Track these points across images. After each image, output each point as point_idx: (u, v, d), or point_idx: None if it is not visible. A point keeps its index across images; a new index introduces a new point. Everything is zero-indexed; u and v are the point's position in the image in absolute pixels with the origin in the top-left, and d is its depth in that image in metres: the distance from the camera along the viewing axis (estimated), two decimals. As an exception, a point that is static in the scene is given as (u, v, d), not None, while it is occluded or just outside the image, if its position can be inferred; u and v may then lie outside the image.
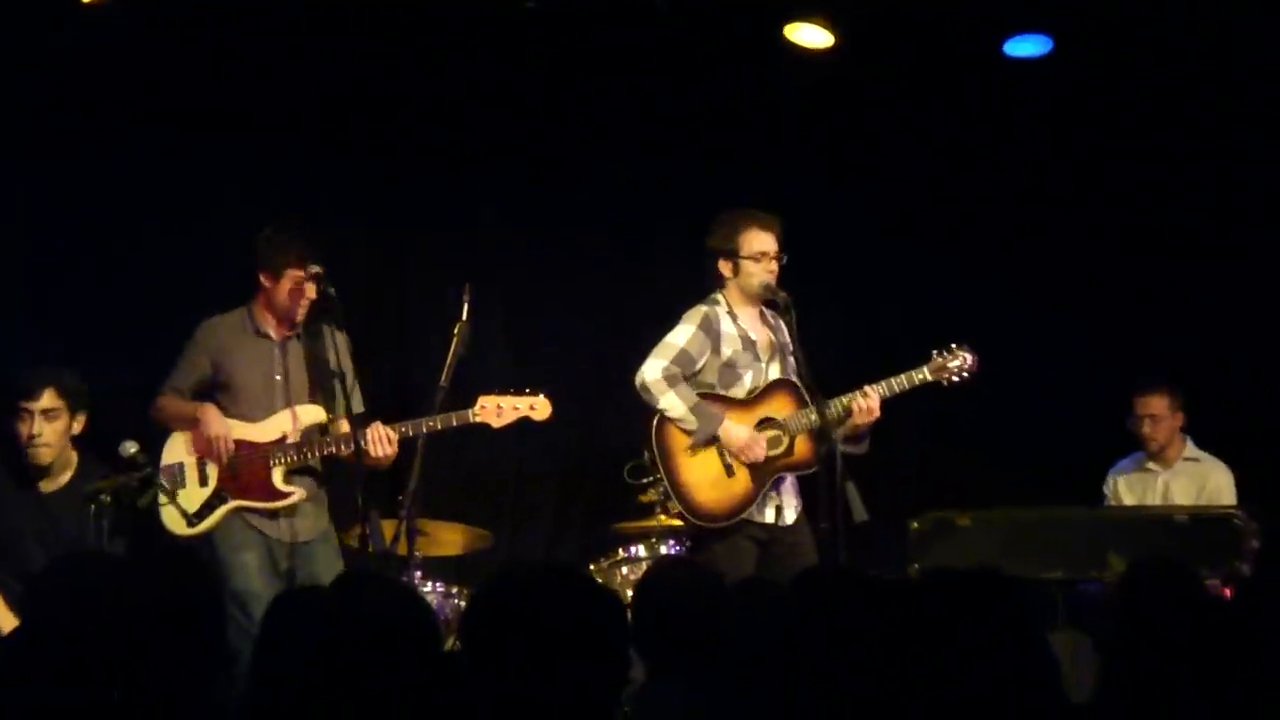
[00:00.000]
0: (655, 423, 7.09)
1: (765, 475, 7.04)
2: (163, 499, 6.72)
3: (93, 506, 6.48)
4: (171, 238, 8.47)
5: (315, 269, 6.79)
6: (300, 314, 6.94)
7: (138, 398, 7.12)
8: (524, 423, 7.08)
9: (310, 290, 6.86)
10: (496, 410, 7.00)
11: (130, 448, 6.59)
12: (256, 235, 6.97)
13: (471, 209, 9.25)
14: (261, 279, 6.95)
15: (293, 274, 6.87)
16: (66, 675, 3.57)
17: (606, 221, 9.34)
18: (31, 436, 6.75)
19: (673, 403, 7.03)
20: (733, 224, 7.17)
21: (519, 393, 7.04)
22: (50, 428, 6.77)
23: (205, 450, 6.86)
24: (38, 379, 6.76)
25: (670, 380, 7.03)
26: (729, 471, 7.03)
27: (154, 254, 8.44)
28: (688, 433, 7.04)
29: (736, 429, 7.03)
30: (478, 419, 6.98)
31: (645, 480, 7.54)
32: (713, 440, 7.02)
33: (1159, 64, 8.86)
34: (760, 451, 7.01)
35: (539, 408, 7.07)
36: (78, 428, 6.86)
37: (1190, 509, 7.76)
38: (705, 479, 7.05)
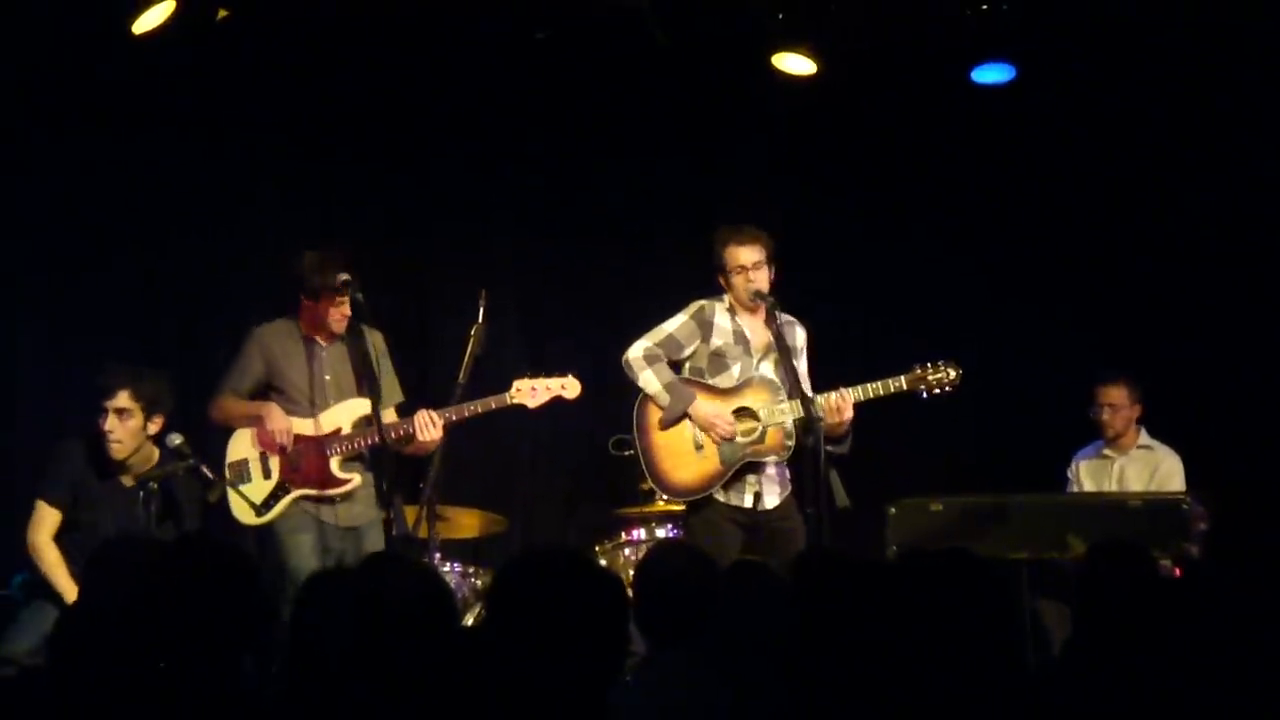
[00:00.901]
0: (637, 402, 7.08)
1: (734, 458, 6.99)
2: (230, 492, 6.72)
3: (142, 494, 6.48)
4: (207, 243, 8.49)
5: (344, 276, 6.77)
6: (340, 328, 6.92)
7: (182, 393, 7.13)
8: (556, 402, 7.02)
9: (346, 307, 6.83)
10: (531, 392, 6.96)
11: (175, 439, 6.59)
12: (299, 258, 6.88)
13: (487, 218, 9.25)
14: (304, 299, 6.91)
15: (330, 298, 6.83)
16: (114, 649, 3.56)
17: (611, 229, 9.34)
18: (107, 431, 6.69)
19: (649, 379, 7.01)
20: (719, 241, 7.13)
21: (549, 375, 7.01)
22: (123, 426, 6.68)
23: (269, 444, 6.85)
24: (115, 380, 6.68)
25: (650, 359, 7.02)
26: (699, 450, 7.00)
27: (190, 256, 8.47)
28: (661, 408, 7.01)
29: (705, 404, 6.99)
30: (514, 401, 6.93)
31: (626, 452, 7.47)
32: (683, 416, 6.98)
33: (1109, 88, 8.94)
34: (726, 428, 6.96)
35: (569, 387, 7.03)
36: (154, 428, 6.75)
37: (1143, 495, 7.74)
38: (676, 455, 7.01)
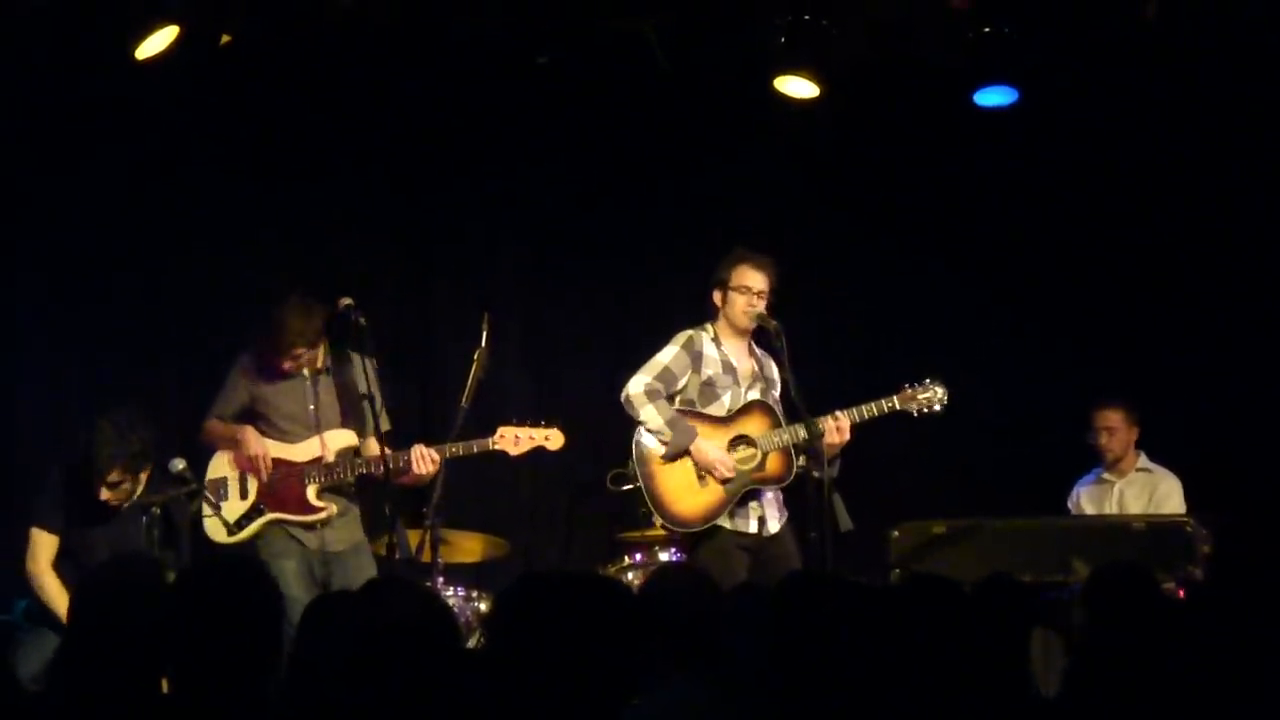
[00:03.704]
0: (636, 434, 7.10)
1: (737, 485, 7.01)
2: (207, 510, 6.78)
3: (144, 518, 6.51)
4: (216, 267, 8.49)
5: (345, 301, 6.77)
6: (297, 372, 6.95)
7: (184, 414, 7.16)
8: (538, 452, 7.08)
9: (301, 361, 6.88)
10: (514, 439, 7.01)
11: (178, 464, 6.62)
12: (280, 306, 6.90)
13: (490, 241, 9.25)
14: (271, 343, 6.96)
15: (290, 352, 6.87)
16: (112, 670, 3.55)
17: (614, 252, 9.32)
18: (105, 500, 6.73)
19: (651, 415, 7.02)
20: (731, 258, 7.18)
21: (535, 424, 7.03)
22: (115, 494, 6.73)
23: (246, 467, 6.92)
24: (106, 459, 6.65)
25: (651, 395, 7.03)
26: (701, 481, 7.01)
27: (192, 277, 8.47)
28: (663, 443, 7.02)
29: (708, 446, 7.01)
30: (497, 447, 7.00)
31: (625, 488, 7.48)
32: (684, 453, 7.00)
33: (1112, 111, 8.95)
34: (725, 471, 6.98)
35: (553, 439, 7.07)
36: (144, 477, 6.81)
37: (1146, 517, 7.72)
38: (678, 487, 7.03)
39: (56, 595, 6.69)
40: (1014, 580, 4.07)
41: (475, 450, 6.96)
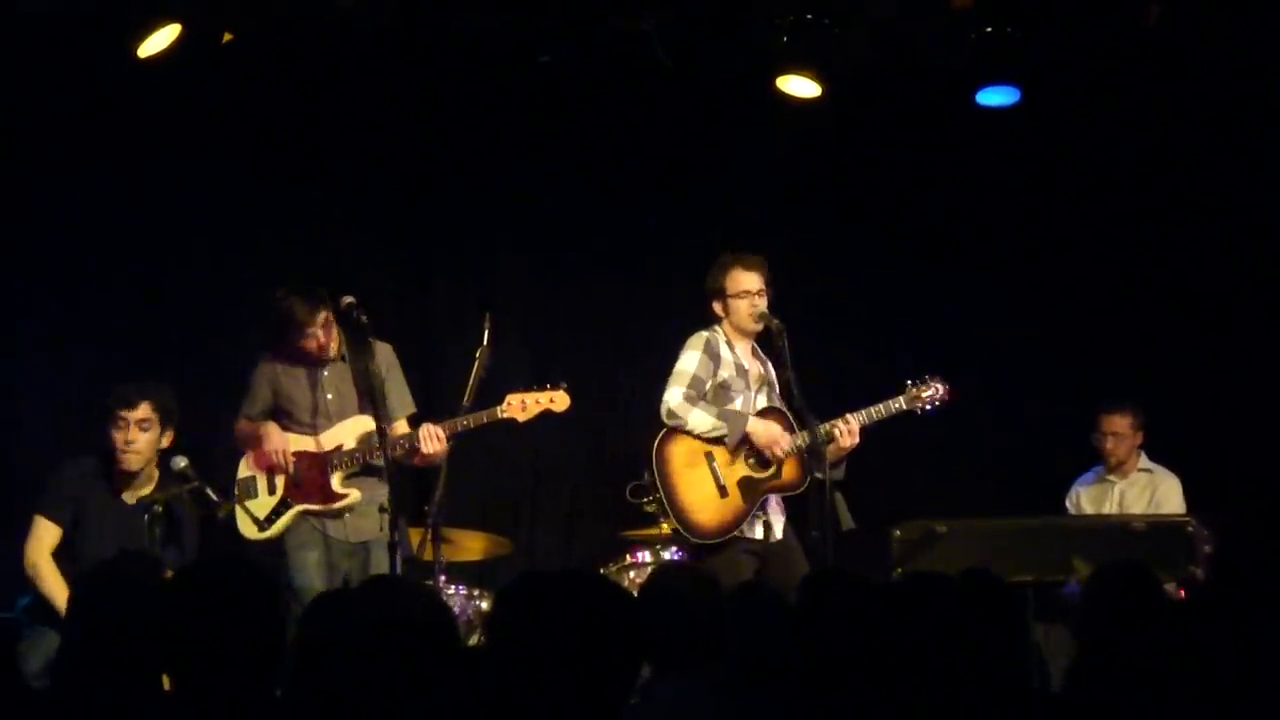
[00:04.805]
0: (655, 445, 7.08)
1: (755, 495, 7.01)
2: (238, 509, 6.89)
3: (146, 516, 6.52)
4: (216, 268, 8.51)
5: (348, 299, 6.81)
6: (324, 355, 7.02)
7: (184, 413, 7.16)
8: (546, 415, 7.07)
9: (322, 336, 6.94)
10: (521, 405, 7.01)
11: (180, 462, 6.65)
12: (273, 301, 6.95)
13: (491, 241, 9.25)
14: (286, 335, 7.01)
15: (297, 334, 6.92)
16: (110, 666, 3.55)
17: (616, 252, 9.31)
18: (127, 443, 6.76)
19: (699, 418, 7.01)
20: (721, 266, 7.19)
21: (540, 388, 7.04)
22: (143, 437, 6.77)
23: (267, 464, 6.97)
24: (138, 392, 6.77)
25: (691, 401, 7.03)
26: (722, 492, 7.01)
27: (194, 276, 8.50)
28: (721, 438, 7.01)
29: (764, 423, 7.03)
30: (505, 415, 7.00)
31: (645, 500, 7.50)
32: (745, 439, 6.99)
33: (1114, 111, 8.98)
34: (788, 443, 6.97)
35: (558, 400, 7.07)
36: (166, 442, 6.86)
37: (1148, 517, 7.73)
38: (700, 499, 7.02)
39: (54, 586, 6.68)
40: (992, 575, 4.05)
41: (485, 420, 6.97)
